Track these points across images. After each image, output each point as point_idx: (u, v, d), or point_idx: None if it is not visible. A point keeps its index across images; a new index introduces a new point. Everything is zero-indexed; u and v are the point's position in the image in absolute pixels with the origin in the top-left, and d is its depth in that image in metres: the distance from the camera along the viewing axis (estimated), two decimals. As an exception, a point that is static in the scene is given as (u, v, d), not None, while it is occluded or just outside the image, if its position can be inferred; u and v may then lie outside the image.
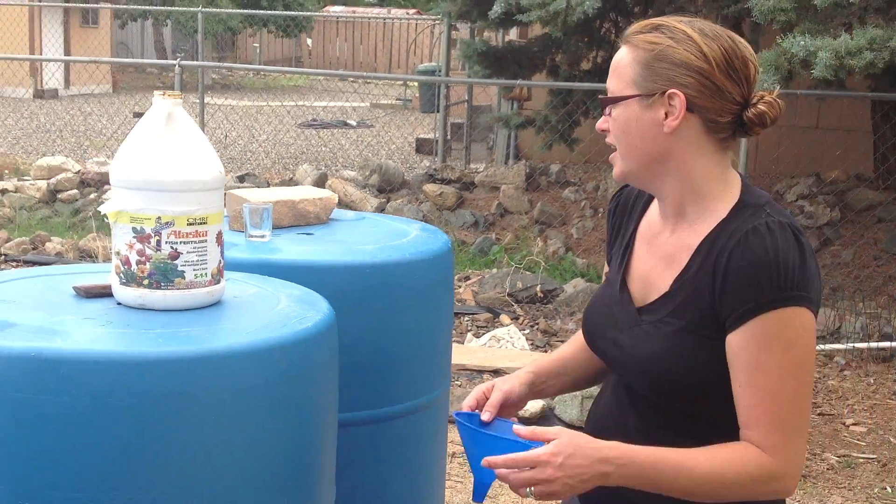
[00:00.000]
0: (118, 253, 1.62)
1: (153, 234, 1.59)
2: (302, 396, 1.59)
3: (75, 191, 8.67)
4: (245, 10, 20.64)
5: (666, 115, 1.46)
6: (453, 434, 4.06)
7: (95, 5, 19.80)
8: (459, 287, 6.42)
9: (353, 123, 15.65)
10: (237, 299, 1.72)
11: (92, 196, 8.56)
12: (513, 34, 10.14)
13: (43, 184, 8.70)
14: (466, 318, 5.94)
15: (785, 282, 1.38)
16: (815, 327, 1.43)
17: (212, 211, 1.63)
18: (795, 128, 8.46)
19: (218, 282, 1.67)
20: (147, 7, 20.97)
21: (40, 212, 8.46)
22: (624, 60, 1.50)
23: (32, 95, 18.24)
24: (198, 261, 1.62)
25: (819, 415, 4.75)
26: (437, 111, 10.92)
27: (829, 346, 5.48)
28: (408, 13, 26.42)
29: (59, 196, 8.65)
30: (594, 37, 7.83)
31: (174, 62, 7.76)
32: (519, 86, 7.80)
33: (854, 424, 4.65)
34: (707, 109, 1.46)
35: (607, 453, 1.42)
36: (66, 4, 18.92)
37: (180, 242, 1.60)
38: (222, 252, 1.68)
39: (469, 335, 5.58)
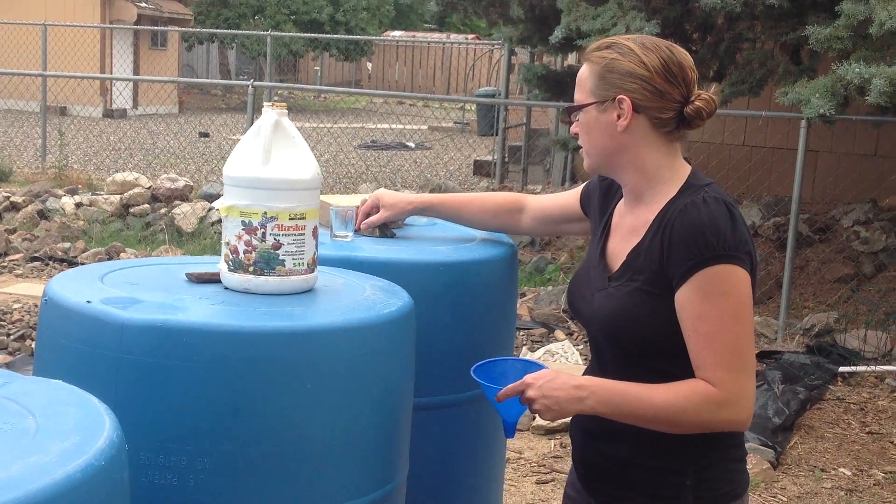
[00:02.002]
0: (228, 243, 1.84)
1: (259, 227, 1.81)
2: (385, 371, 1.80)
3: (146, 205, 9.02)
4: (310, 35, 21.18)
5: (618, 116, 1.74)
6: (510, 441, 4.23)
7: (165, 28, 20.43)
8: (516, 303, 6.58)
9: (412, 146, 15.93)
10: (328, 287, 1.93)
11: (162, 211, 8.90)
12: (571, 59, 10.31)
13: (116, 198, 9.06)
14: (522, 333, 6.11)
15: (718, 243, 1.63)
16: (748, 282, 1.66)
17: (310, 208, 1.85)
18: (853, 154, 8.51)
19: (312, 271, 1.89)
20: (215, 31, 21.58)
21: (113, 225, 8.81)
22: (583, 74, 1.80)
23: (102, 115, 18.85)
24: (296, 251, 1.84)
25: (868, 433, 4.83)
26: (496, 134, 11.14)
27: (880, 368, 5.55)
28: (466, 38, 26.76)
29: (131, 210, 9.01)
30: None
31: (248, 83, 8.08)
32: (577, 109, 7.97)
33: (903, 443, 4.72)
34: (651, 109, 1.72)
35: (582, 382, 1.71)
36: (136, 27, 19.55)
37: (282, 235, 1.82)
38: (317, 245, 1.90)
39: (524, 349, 5.75)
